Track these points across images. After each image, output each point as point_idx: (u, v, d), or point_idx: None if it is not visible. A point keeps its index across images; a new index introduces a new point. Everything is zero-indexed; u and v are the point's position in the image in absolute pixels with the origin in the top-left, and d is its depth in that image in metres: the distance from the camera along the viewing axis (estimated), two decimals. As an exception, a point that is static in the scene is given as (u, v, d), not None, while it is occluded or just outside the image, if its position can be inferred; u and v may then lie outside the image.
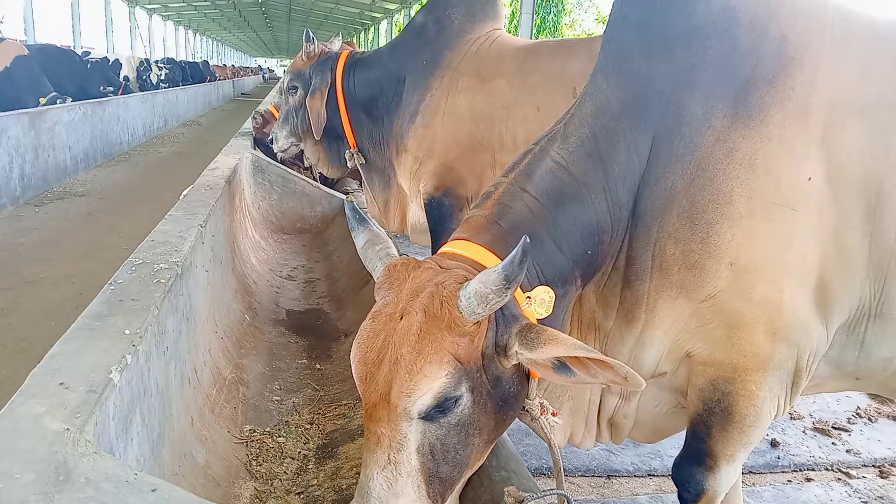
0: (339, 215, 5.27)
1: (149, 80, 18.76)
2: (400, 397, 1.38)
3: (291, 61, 4.33)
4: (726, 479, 1.83)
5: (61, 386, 1.28)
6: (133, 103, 12.71)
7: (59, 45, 14.83)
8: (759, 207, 1.60)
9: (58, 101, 9.39)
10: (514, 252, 1.32)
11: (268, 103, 10.28)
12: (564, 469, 2.84)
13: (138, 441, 1.52)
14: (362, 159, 4.09)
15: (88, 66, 13.04)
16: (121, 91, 14.30)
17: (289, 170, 5.42)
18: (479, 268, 1.51)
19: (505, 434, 1.72)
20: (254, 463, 2.31)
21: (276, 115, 6.28)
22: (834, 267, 1.63)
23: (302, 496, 2.21)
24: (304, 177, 5.48)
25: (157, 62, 21.63)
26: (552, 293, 1.56)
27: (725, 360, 1.70)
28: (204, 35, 53.77)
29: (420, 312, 1.41)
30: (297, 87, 4.07)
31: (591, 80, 1.82)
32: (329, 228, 5.30)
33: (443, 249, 1.65)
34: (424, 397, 1.37)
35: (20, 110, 8.01)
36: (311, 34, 4.01)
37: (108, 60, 15.85)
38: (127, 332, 1.55)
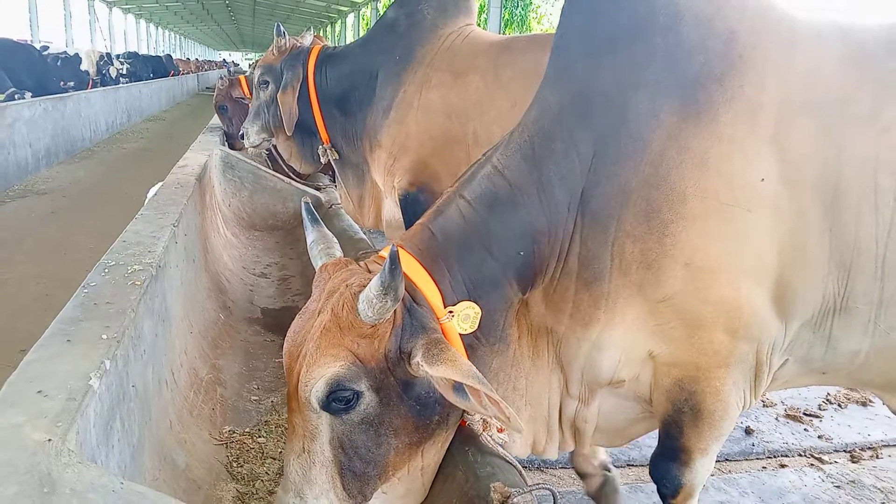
0: (311, 211, 5.21)
1: (108, 75, 18.33)
2: (301, 387, 1.48)
3: (258, 56, 4.27)
4: (702, 471, 1.86)
5: (40, 394, 1.24)
6: (95, 99, 12.41)
7: (15, 40, 14.40)
8: (713, 208, 1.60)
9: (16, 97, 9.13)
10: (385, 261, 1.38)
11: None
12: (544, 462, 2.87)
13: (119, 448, 1.48)
14: (336, 155, 4.05)
15: (59, 62, 12.68)
16: (90, 85, 13.97)
17: (259, 166, 5.35)
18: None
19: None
20: (234, 464, 2.28)
21: (244, 82, 6.15)
22: (793, 265, 1.64)
23: (285, 497, 2.19)
24: (275, 173, 5.41)
25: (118, 56, 21.12)
26: (477, 309, 1.59)
27: (688, 360, 1.71)
28: (166, 28, 52.69)
29: (328, 311, 1.50)
30: (268, 82, 4.01)
31: (539, 88, 1.85)
32: (301, 225, 5.25)
33: (380, 254, 1.71)
34: (318, 384, 1.46)
35: (-23, 107, 7.77)
36: (281, 28, 3.95)
37: (68, 55, 15.44)
38: (104, 336, 1.51)
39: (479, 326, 1.62)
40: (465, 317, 1.58)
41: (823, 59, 1.67)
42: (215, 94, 6.11)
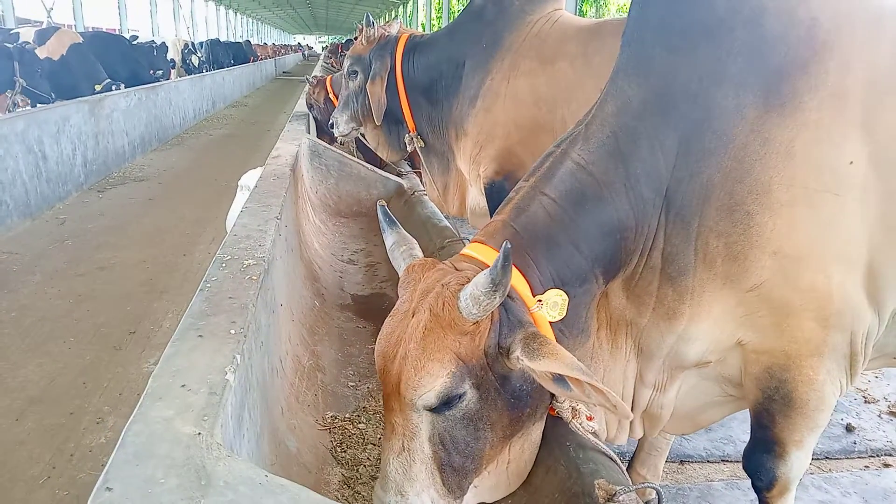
0: (394, 198, 5.31)
1: (192, 63, 19.05)
2: (407, 391, 1.49)
3: (331, 38, 4.35)
4: (798, 464, 1.82)
5: (184, 388, 1.34)
6: (184, 87, 12.95)
7: (105, 30, 15.14)
8: (800, 195, 1.58)
9: (112, 88, 9.63)
10: (497, 257, 1.40)
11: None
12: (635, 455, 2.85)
13: (247, 437, 1.58)
14: (422, 143, 4.10)
15: (154, 52, 13.28)
16: (171, 74, 14.59)
17: (344, 154, 5.47)
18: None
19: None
20: (338, 449, 2.38)
21: (329, 82, 6.31)
22: (883, 250, 1.60)
23: (387, 482, 2.27)
24: (359, 160, 5.52)
25: (200, 44, 21.92)
26: (565, 296, 1.61)
27: (777, 348, 1.69)
28: (244, 14, 54.14)
29: (426, 311, 1.51)
30: (357, 72, 4.08)
31: (611, 81, 1.82)
32: (385, 211, 5.34)
33: (462, 252, 1.74)
34: (428, 395, 1.47)
35: (80, 98, 8.25)
36: (371, 18, 4.00)
37: (155, 43, 16.13)
38: (232, 331, 1.61)
39: (564, 318, 1.64)
40: (553, 304, 1.60)
41: None
42: (307, 92, 6.32)
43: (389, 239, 1.84)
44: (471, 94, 3.66)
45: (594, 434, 1.76)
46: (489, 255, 1.64)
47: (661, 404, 1.94)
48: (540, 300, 1.58)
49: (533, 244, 1.67)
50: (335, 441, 2.42)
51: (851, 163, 1.57)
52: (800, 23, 1.63)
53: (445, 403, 1.50)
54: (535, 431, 1.76)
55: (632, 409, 1.93)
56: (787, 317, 1.65)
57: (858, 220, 1.59)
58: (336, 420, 2.54)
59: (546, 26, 3.54)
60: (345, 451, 2.38)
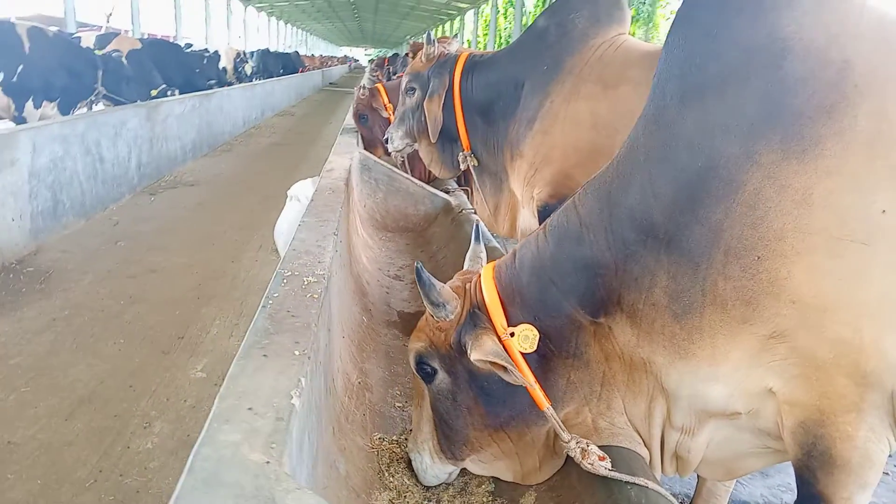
0: (441, 214, 5.28)
1: (244, 72, 19.48)
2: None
3: (377, 52, 4.36)
4: None
5: (250, 412, 1.31)
6: (235, 95, 13.23)
7: (162, 38, 15.57)
8: (820, 243, 1.51)
9: (167, 93, 9.88)
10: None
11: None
12: (686, 497, 2.76)
13: (306, 463, 1.55)
14: (475, 161, 4.08)
15: (204, 61, 13.62)
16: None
17: (393, 168, 5.48)
18: (478, 290, 1.98)
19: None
20: (386, 473, 2.33)
21: (383, 91, 6.30)
22: None
23: (434, 512, 2.22)
24: (408, 175, 5.52)
25: (251, 54, 22.40)
26: (535, 332, 1.85)
27: (809, 402, 1.60)
28: (294, 25, 55.28)
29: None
30: (415, 89, 4.09)
31: (634, 126, 1.86)
32: (431, 227, 5.32)
33: (472, 269, 2.20)
34: (410, 354, 2.08)
35: (138, 103, 8.47)
36: (431, 36, 4.01)
37: (208, 51, 16.53)
38: (297, 353, 1.58)
39: (550, 341, 1.88)
40: (524, 337, 1.85)
41: None
42: (355, 103, 6.30)
43: (469, 253, 2.34)
44: (529, 115, 3.62)
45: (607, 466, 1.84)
46: (485, 276, 1.99)
47: (689, 448, 1.90)
48: (513, 332, 1.85)
49: (520, 273, 1.93)
50: (383, 464, 2.38)
51: (884, 212, 1.48)
52: (830, 64, 1.55)
53: (426, 375, 2.03)
54: (539, 433, 2.00)
55: (661, 450, 1.94)
56: (817, 370, 1.57)
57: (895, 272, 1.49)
58: (384, 442, 2.50)
59: (609, 50, 3.49)
60: (392, 476, 2.33)
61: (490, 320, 1.90)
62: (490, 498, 2.23)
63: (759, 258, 1.57)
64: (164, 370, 3.72)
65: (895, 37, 1.59)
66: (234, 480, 1.11)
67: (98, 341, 4.03)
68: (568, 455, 1.91)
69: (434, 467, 2.15)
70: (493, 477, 2.28)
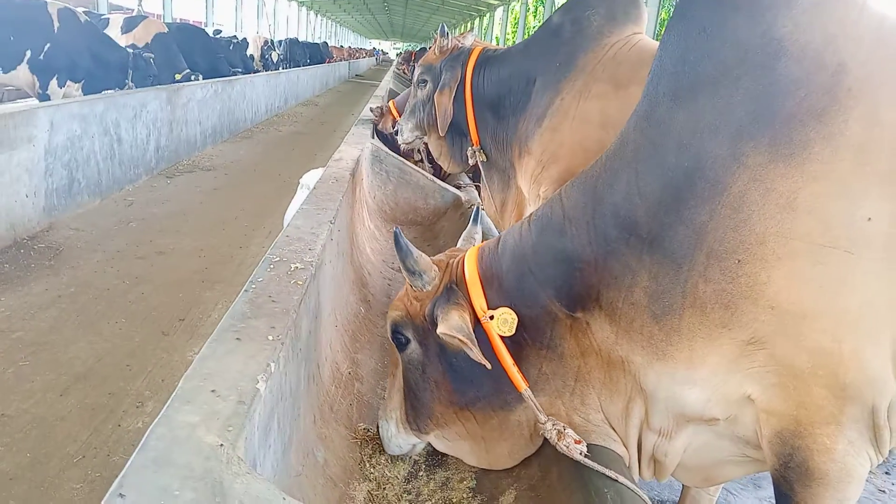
0: (450, 209, 5.25)
1: (270, 60, 19.57)
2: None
3: (406, 45, 4.33)
4: None
5: (213, 394, 1.30)
6: (259, 82, 13.28)
7: (191, 23, 15.68)
8: (802, 249, 1.47)
9: (192, 78, 9.95)
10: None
11: (383, 88, 10.42)
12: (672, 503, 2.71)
13: (274, 448, 1.53)
14: (484, 157, 4.04)
15: (231, 47, 13.69)
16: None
17: (405, 161, 5.45)
18: (460, 268, 2.01)
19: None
20: (367, 464, 2.31)
21: (394, 109, 6.28)
22: None
23: (413, 505, 2.20)
24: (419, 169, 5.50)
25: (279, 42, 22.50)
26: (514, 315, 1.86)
27: (786, 412, 1.57)
28: (324, 16, 55.49)
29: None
30: (426, 81, 4.06)
31: (625, 125, 1.85)
32: (440, 222, 5.29)
33: (460, 248, 2.24)
34: (387, 322, 2.10)
35: (159, 86, 8.53)
36: (445, 28, 3.98)
37: (237, 38, 16.63)
38: (270, 337, 1.57)
39: (525, 329, 1.87)
40: (503, 321, 1.85)
41: None
42: (373, 120, 6.27)
43: (464, 232, 2.39)
44: (539, 112, 3.57)
45: (584, 454, 1.84)
46: (469, 256, 2.01)
47: (666, 452, 1.88)
48: (493, 315, 1.86)
49: (501, 259, 1.95)
50: (365, 454, 2.36)
51: (870, 219, 1.44)
52: (824, 67, 1.51)
53: (400, 343, 2.06)
54: (506, 419, 2.00)
55: (638, 452, 1.93)
56: (795, 379, 1.54)
57: (880, 282, 1.45)
58: (368, 432, 2.49)
59: (623, 49, 3.42)
60: (374, 467, 2.31)
61: (468, 299, 1.92)
62: (470, 494, 2.20)
63: (739, 262, 1.54)
64: (163, 351, 3.74)
65: (891, 40, 1.54)
66: (184, 461, 1.10)
67: (100, 319, 4.06)
68: (545, 439, 1.91)
69: (398, 437, 2.18)
70: (474, 473, 2.26)
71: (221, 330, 1.59)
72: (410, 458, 2.43)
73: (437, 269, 2.03)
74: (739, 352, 1.60)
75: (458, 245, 2.30)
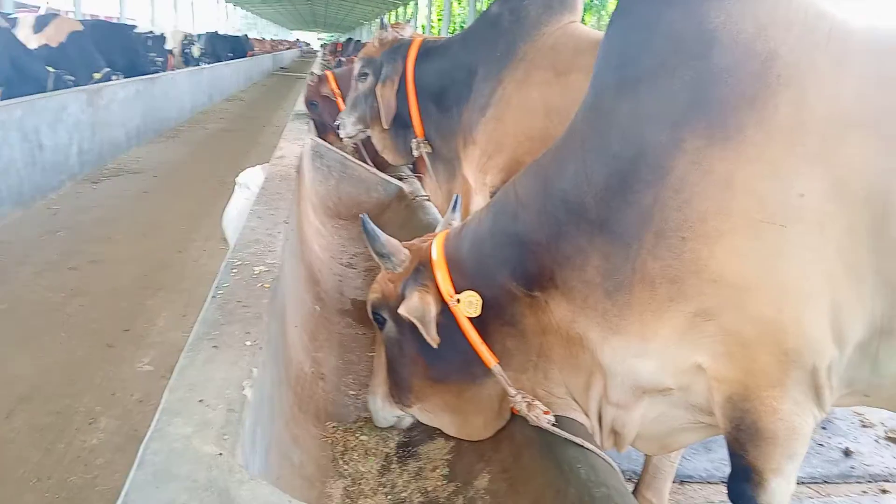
0: (394, 201, 5.26)
1: (191, 55, 18.94)
2: None
3: (329, 36, 4.30)
4: (780, 491, 1.78)
5: (201, 403, 1.29)
6: (181, 79, 12.85)
7: (103, 18, 14.98)
8: (741, 225, 1.59)
9: (111, 78, 9.53)
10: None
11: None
12: (634, 474, 2.84)
13: (259, 452, 1.53)
14: (429, 148, 4.06)
15: (149, 42, 13.18)
16: (169, 65, 14.46)
17: (347, 155, 5.41)
18: (428, 251, 2.10)
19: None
20: (340, 461, 2.32)
21: (332, 78, 6.23)
22: (844, 285, 1.59)
23: (389, 497, 2.23)
24: (360, 162, 5.46)
25: (198, 36, 21.77)
26: (478, 298, 1.95)
27: (735, 378, 1.69)
28: (243, 8, 53.92)
29: None
30: (367, 74, 4.04)
31: (574, 115, 1.95)
32: (385, 214, 5.28)
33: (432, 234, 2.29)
34: (368, 302, 2.23)
35: (78, 88, 8.14)
36: (385, 21, 3.97)
37: (154, 34, 15.99)
38: (248, 343, 1.56)
39: (489, 309, 1.96)
40: (468, 303, 1.95)
41: (878, 72, 1.61)
42: (306, 90, 6.20)
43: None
44: (482, 102, 3.62)
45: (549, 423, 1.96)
46: (437, 241, 2.11)
47: (625, 423, 1.99)
48: (459, 299, 1.95)
49: (463, 243, 2.05)
50: (337, 452, 2.37)
51: (802, 195, 1.56)
52: (755, 55, 1.62)
53: (379, 322, 2.19)
54: (478, 393, 2.11)
55: (599, 425, 2.04)
56: (742, 347, 1.65)
57: (814, 253, 1.57)
58: (337, 430, 2.49)
59: (561, 38, 3.50)
60: (346, 464, 2.32)
61: (435, 281, 2.03)
62: (444, 481, 2.25)
63: (683, 239, 1.63)
64: (109, 364, 3.62)
65: (820, 28, 1.65)
66: (186, 473, 1.09)
67: (40, 335, 3.89)
68: (514, 414, 2.05)
69: (384, 410, 2.32)
70: (446, 461, 2.30)
71: (196, 338, 1.57)
72: (382, 451, 2.46)
73: (407, 252, 2.13)
74: (688, 324, 1.69)
75: (437, 230, 2.39)
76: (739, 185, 1.59)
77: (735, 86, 1.62)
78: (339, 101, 5.94)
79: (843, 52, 1.64)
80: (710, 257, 1.62)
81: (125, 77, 10.03)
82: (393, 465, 2.41)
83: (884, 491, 3.03)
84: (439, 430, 2.38)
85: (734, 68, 1.63)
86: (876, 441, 3.41)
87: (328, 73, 6.35)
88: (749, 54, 1.63)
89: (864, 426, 3.54)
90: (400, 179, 5.66)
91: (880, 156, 1.56)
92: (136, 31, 14.29)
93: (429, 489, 2.25)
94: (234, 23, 49.36)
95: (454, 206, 2.56)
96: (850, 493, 3.02)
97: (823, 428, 3.43)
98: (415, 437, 2.56)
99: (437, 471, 2.32)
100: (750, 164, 1.59)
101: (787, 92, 1.59)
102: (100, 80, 9.29)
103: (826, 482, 3.06)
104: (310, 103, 6.25)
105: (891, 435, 3.47)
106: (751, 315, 1.62)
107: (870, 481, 3.11)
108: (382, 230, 2.32)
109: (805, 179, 1.57)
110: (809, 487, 2.98)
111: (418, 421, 2.38)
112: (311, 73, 6.36)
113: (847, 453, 3.26)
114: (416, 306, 1.98)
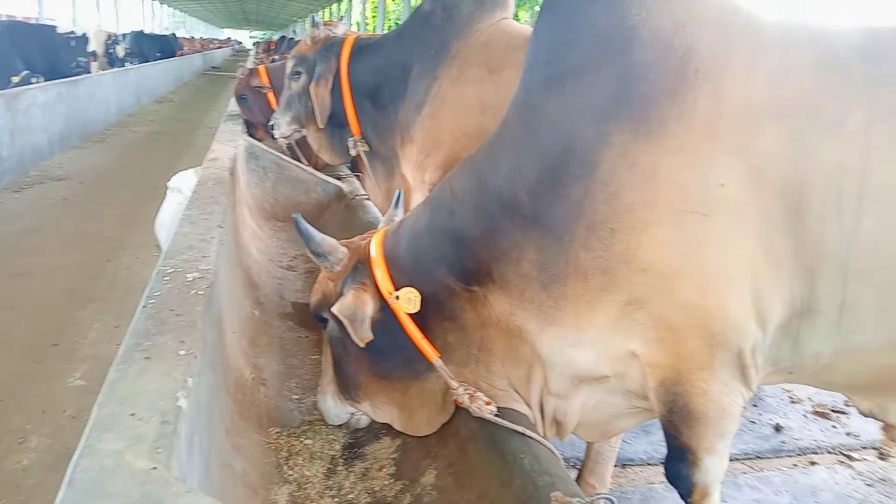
0: (333, 201, 5.20)
1: (116, 56, 18.23)
2: None
3: (262, 35, 4.23)
4: (713, 468, 1.87)
5: (133, 417, 1.25)
6: (106, 81, 12.36)
7: (21, 19, 14.28)
8: (666, 215, 1.65)
9: (32, 80, 9.10)
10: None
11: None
12: (578, 461, 2.90)
13: (198, 463, 1.50)
14: (366, 147, 4.04)
15: (72, 43, 12.61)
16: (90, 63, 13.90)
17: (282, 156, 5.32)
18: (367, 249, 2.13)
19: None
20: (285, 467, 2.29)
21: (263, 72, 6.11)
22: (764, 270, 1.67)
23: (336, 500, 2.21)
24: (297, 163, 5.38)
25: (123, 36, 20.99)
26: (417, 294, 1.98)
27: (666, 363, 1.76)
28: (171, 6, 52.23)
29: None
30: (300, 73, 3.98)
31: (505, 112, 1.99)
32: (324, 215, 5.22)
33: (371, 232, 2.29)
34: (310, 307, 2.26)
35: (-6, 91, 7.74)
36: (316, 19, 3.92)
37: (75, 34, 15.32)
38: (182, 352, 1.52)
39: (428, 304, 1.99)
40: (407, 300, 1.97)
41: (791, 65, 1.70)
42: (235, 84, 6.05)
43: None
44: (417, 100, 3.62)
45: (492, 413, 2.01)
46: (375, 239, 2.14)
47: (565, 412, 2.04)
48: (398, 295, 1.97)
49: (401, 240, 2.07)
50: (281, 458, 2.34)
51: (722, 185, 1.63)
52: (674, 52, 1.68)
53: (322, 322, 2.21)
54: (422, 388, 2.14)
55: (541, 415, 2.09)
56: (671, 332, 1.71)
57: (734, 240, 1.64)
58: (281, 436, 2.46)
59: (494, 35, 3.53)
60: (292, 469, 2.30)
61: (373, 279, 2.05)
62: (391, 480, 2.25)
63: (612, 230, 1.69)
64: (38, 381, 3.46)
65: (735, 23, 1.72)
66: (119, 490, 1.06)
67: (-40, 353, 3.69)
68: (459, 407, 2.09)
69: (336, 408, 2.33)
70: (392, 459, 2.30)
71: (127, 350, 1.52)
72: (328, 454, 2.44)
73: (345, 250, 2.14)
74: (620, 312, 1.75)
75: (380, 227, 2.40)
76: (663, 176, 1.65)
77: (656, 81, 1.68)
78: (270, 95, 5.84)
79: (758, 46, 1.71)
80: (638, 247, 1.67)
81: (46, 80, 9.57)
82: (339, 468, 2.39)
83: (812, 463, 3.19)
84: (386, 429, 2.38)
85: (654, 64, 1.69)
86: (804, 416, 3.58)
87: (260, 67, 6.22)
88: (668, 50, 1.69)
89: (792, 402, 3.71)
90: (339, 179, 5.61)
91: (794, 145, 1.64)
92: (57, 31, 13.67)
93: (376, 489, 2.24)
94: (162, 21, 47.77)
95: (397, 202, 2.56)
96: (782, 466, 3.16)
97: (754, 405, 3.58)
98: (361, 438, 2.55)
99: (384, 470, 2.32)
100: (672, 156, 1.65)
101: (705, 86, 1.66)
102: (19, 84, 8.85)
103: (759, 457, 3.19)
104: (239, 97, 6.11)
105: (818, 409, 3.65)
106: (678, 301, 1.68)
107: (800, 454, 3.26)
108: (322, 231, 2.29)
109: (724, 170, 1.64)
110: (743, 463, 3.11)
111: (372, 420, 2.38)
112: (242, 67, 6.22)
113: (777, 429, 3.41)
114: (348, 305, 1.99)
